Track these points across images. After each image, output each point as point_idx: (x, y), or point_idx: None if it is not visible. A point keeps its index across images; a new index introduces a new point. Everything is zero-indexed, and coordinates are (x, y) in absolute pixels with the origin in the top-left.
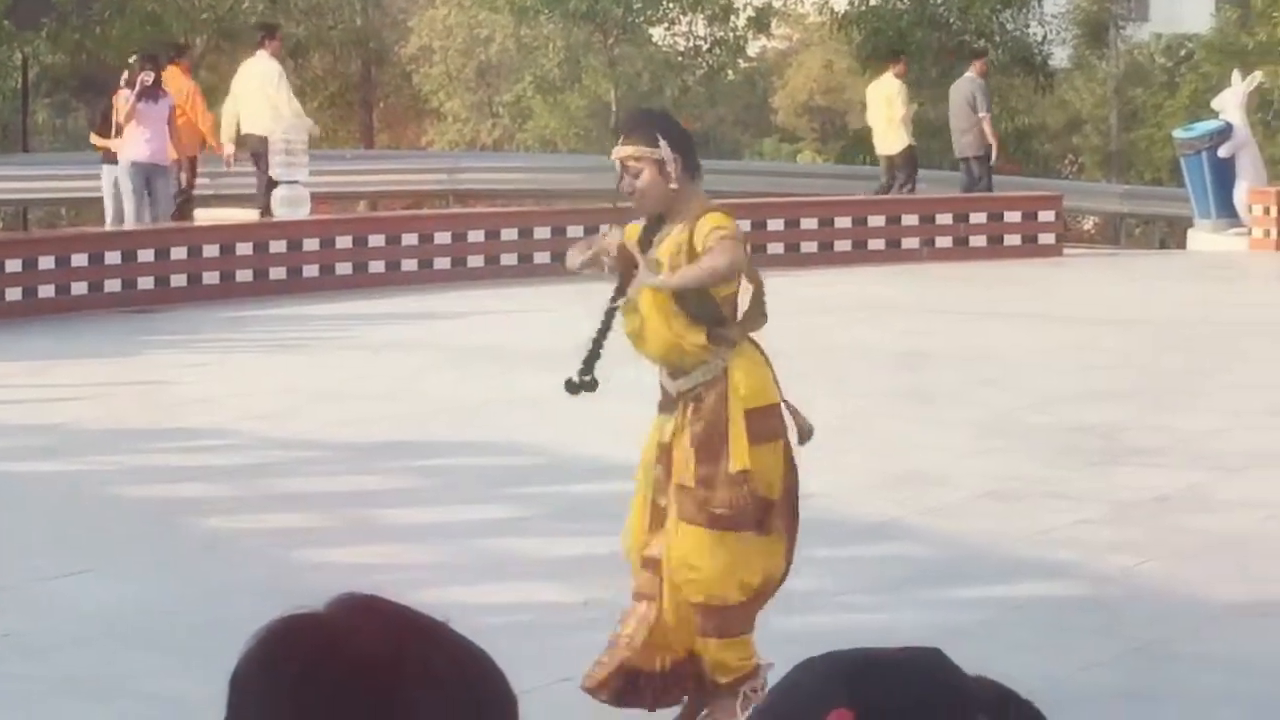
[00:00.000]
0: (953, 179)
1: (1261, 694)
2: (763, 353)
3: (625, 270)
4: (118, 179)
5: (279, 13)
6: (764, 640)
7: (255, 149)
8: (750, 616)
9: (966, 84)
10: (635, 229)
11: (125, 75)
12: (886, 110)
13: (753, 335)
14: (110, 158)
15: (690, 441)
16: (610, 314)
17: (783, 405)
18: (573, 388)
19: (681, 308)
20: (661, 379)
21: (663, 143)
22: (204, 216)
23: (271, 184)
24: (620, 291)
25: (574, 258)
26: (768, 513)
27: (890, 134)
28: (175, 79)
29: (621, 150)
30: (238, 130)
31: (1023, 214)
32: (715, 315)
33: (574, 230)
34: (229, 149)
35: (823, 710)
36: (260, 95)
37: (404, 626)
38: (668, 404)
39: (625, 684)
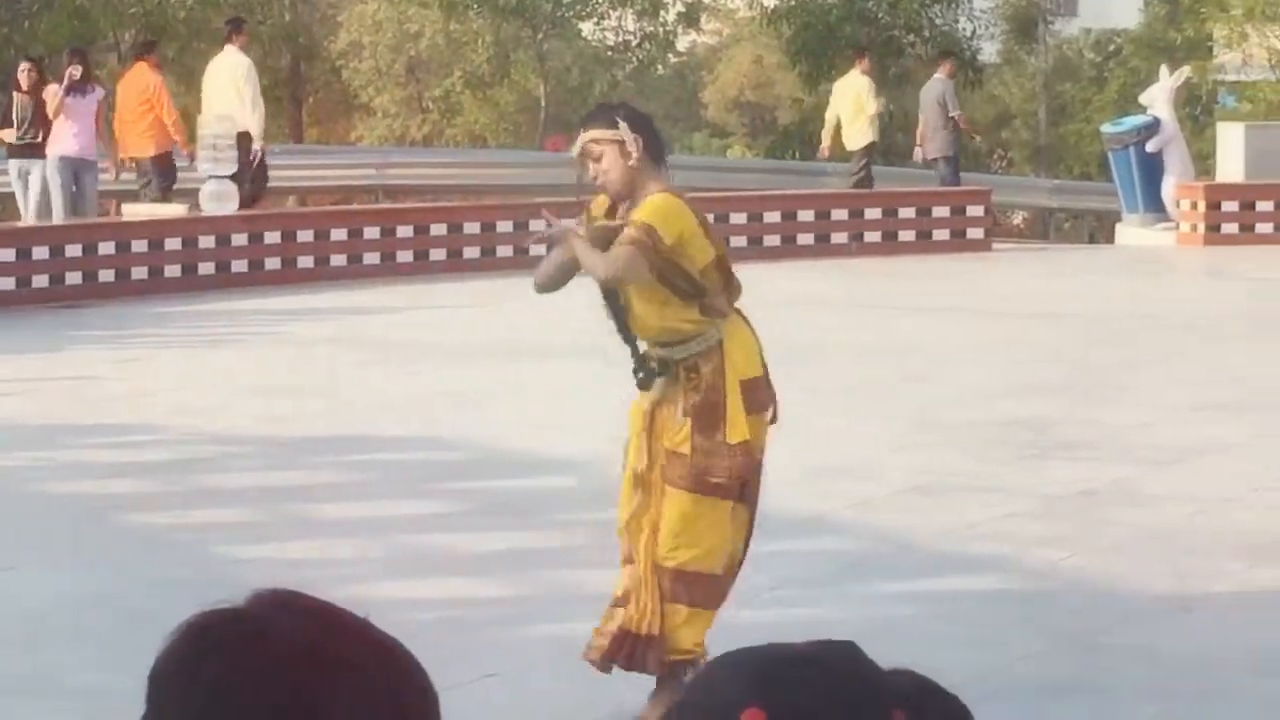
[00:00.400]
0: (886, 174)
1: (1186, 687)
2: (749, 323)
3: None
4: (46, 174)
5: (207, 7)
6: None
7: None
8: (724, 592)
9: (937, 84)
10: (603, 202)
11: (21, 70)
12: (853, 106)
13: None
14: (14, 152)
15: (685, 410)
16: (613, 302)
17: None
18: (643, 382)
19: (669, 287)
20: (651, 350)
21: (621, 124)
22: (132, 212)
23: (245, 175)
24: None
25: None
26: (752, 483)
27: (854, 129)
28: (143, 74)
29: (582, 138)
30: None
31: (951, 209)
32: (701, 289)
33: (503, 225)
34: (192, 145)
35: (736, 709)
36: (230, 89)
37: (323, 622)
38: (662, 369)
39: (633, 648)
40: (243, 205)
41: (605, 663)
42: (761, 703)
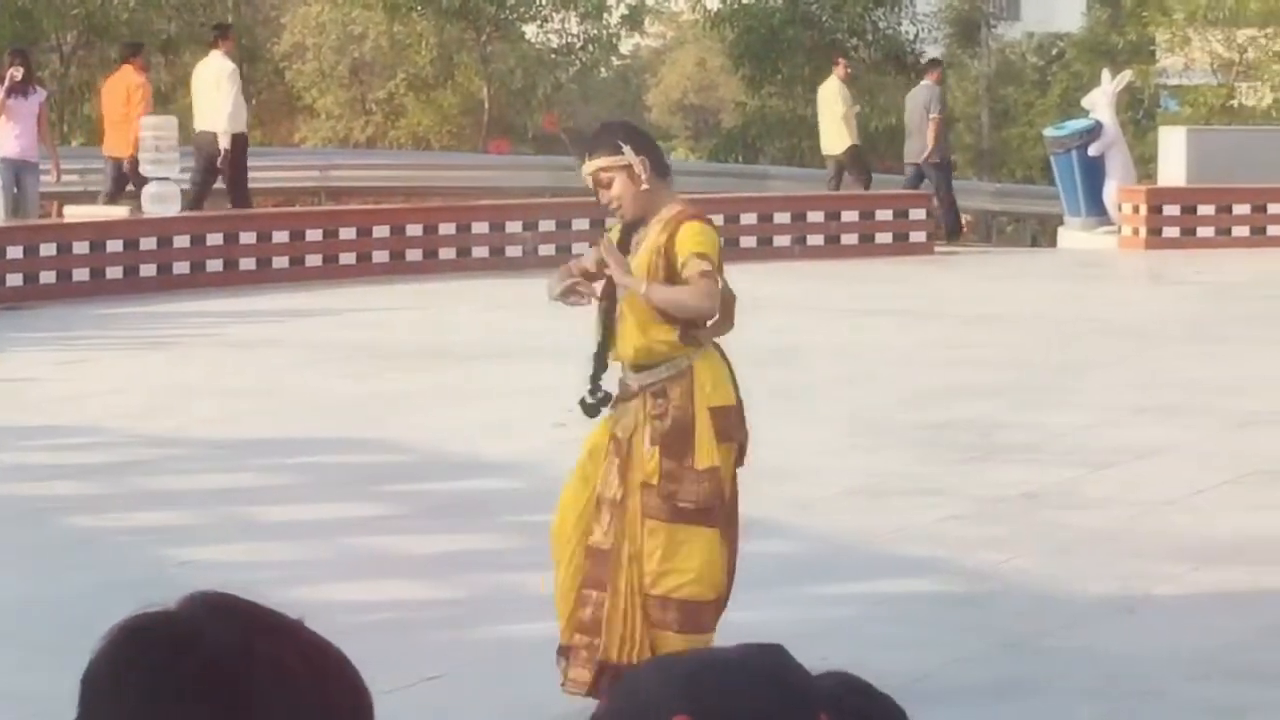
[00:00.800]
0: (812, 176)
1: (1126, 689)
2: (724, 355)
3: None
4: None
5: (150, 9)
6: None
7: (208, 147)
8: (716, 615)
9: (924, 91)
10: (616, 229)
11: None
12: (830, 110)
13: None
14: None
15: (652, 438)
16: (606, 321)
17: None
18: (589, 409)
19: (660, 313)
20: (622, 373)
21: (625, 148)
22: (74, 213)
23: (220, 179)
24: (610, 297)
25: (553, 286)
26: (720, 513)
27: (833, 134)
28: (126, 76)
29: (589, 166)
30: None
31: (894, 212)
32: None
33: (446, 228)
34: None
35: (664, 715)
36: (215, 93)
37: (255, 624)
38: (625, 397)
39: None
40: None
41: (592, 693)
42: (688, 709)
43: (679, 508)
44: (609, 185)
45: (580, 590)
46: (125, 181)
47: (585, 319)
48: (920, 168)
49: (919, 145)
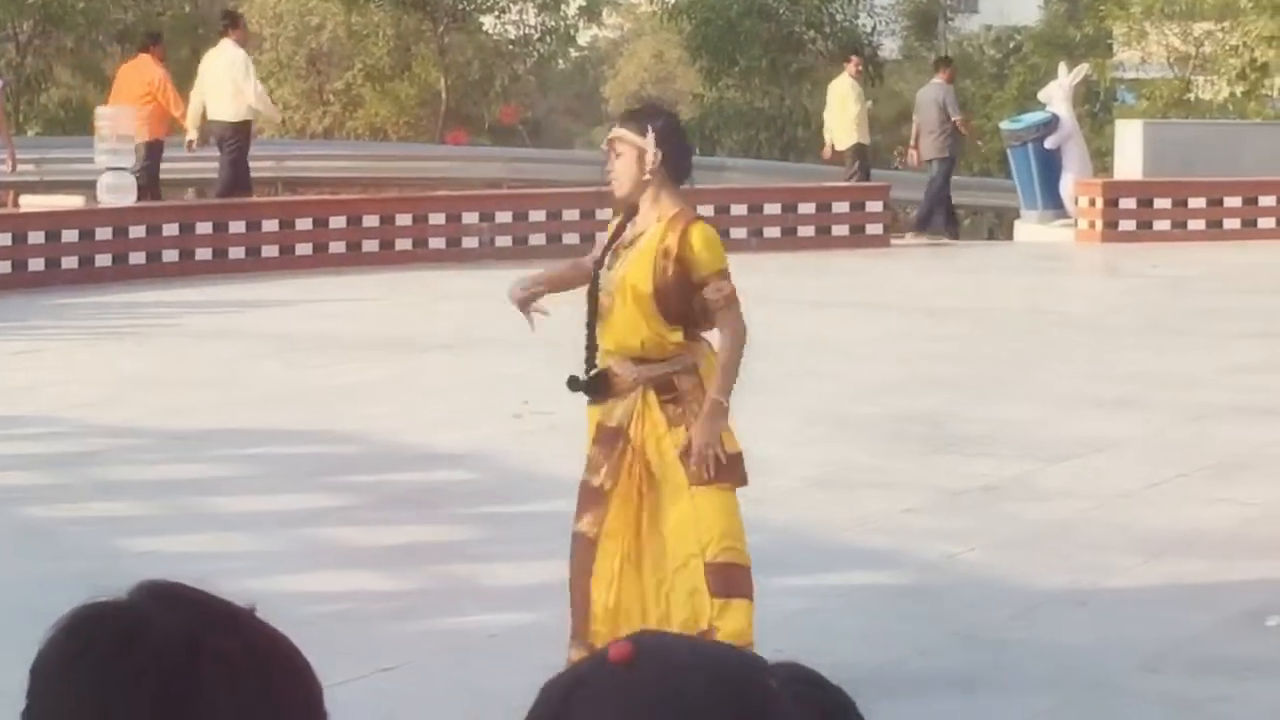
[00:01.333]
0: (769, 168)
1: (1080, 681)
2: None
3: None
4: None
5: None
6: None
7: (221, 135)
8: (751, 582)
9: (936, 89)
10: (612, 225)
11: None
12: (839, 107)
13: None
14: None
15: (674, 418)
16: (594, 306)
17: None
18: (577, 385)
19: (661, 309)
20: (613, 365)
21: (650, 134)
22: (29, 203)
23: (229, 170)
24: (596, 280)
25: (516, 292)
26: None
27: (840, 130)
28: (146, 66)
29: (615, 131)
30: (203, 117)
31: (851, 204)
32: (692, 317)
33: (403, 219)
34: (192, 134)
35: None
36: (227, 82)
37: (204, 614)
38: (620, 389)
39: None
40: (241, 193)
41: None
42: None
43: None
44: (618, 156)
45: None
46: (157, 164)
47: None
48: (934, 162)
49: (936, 144)
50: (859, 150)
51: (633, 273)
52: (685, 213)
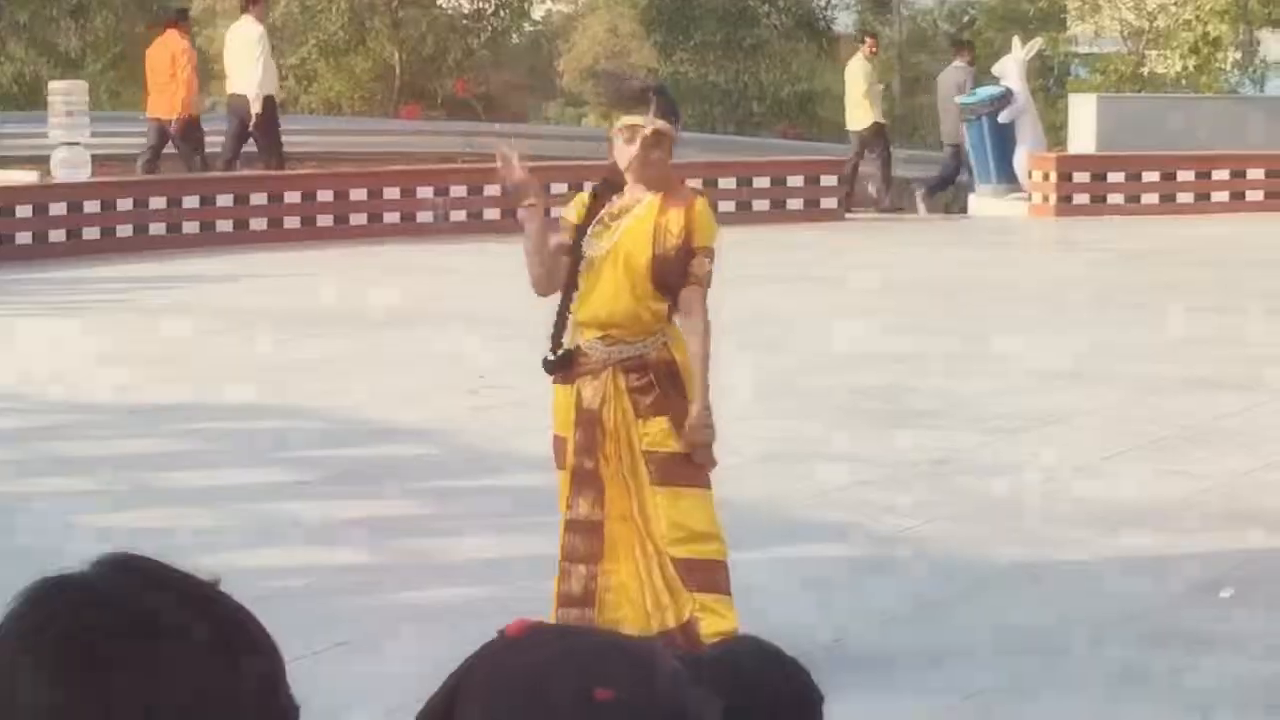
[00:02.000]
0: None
1: (1031, 655)
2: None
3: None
4: None
5: None
6: (540, 605)
7: (241, 110)
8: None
9: (956, 72)
10: (583, 199)
11: None
12: (853, 87)
13: None
14: None
15: (641, 409)
16: (572, 280)
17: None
18: (551, 365)
19: (657, 277)
20: (584, 344)
21: (679, 125)
22: None
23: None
24: (577, 251)
25: (514, 179)
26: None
27: (856, 110)
28: (173, 40)
29: (656, 123)
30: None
31: (805, 178)
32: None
33: (357, 194)
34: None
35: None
36: (246, 57)
37: (165, 587)
38: (588, 369)
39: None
40: (276, 166)
41: None
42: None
43: (696, 471)
44: (656, 145)
45: (562, 564)
46: (165, 144)
47: (496, 284)
48: (954, 147)
49: (955, 125)
50: (878, 129)
51: (626, 240)
52: (688, 189)
